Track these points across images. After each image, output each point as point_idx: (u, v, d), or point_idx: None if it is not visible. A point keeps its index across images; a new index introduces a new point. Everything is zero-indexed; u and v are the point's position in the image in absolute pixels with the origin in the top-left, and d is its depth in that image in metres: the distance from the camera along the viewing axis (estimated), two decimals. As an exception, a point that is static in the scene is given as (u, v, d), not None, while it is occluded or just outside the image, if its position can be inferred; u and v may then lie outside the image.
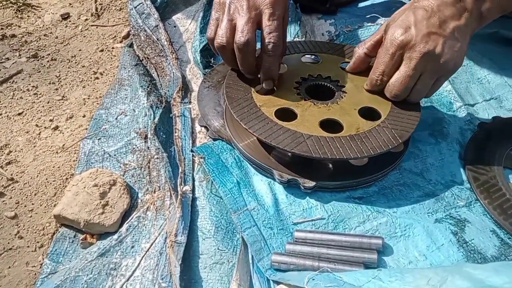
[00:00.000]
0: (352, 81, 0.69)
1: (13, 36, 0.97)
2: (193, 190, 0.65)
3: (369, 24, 0.90)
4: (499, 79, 0.81)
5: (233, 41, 0.62)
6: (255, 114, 0.63)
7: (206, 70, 0.83)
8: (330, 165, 0.65)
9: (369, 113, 0.65)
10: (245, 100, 0.65)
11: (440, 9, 0.60)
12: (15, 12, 1.03)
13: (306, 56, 0.75)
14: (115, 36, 0.98)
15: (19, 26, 1.00)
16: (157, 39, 0.89)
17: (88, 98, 0.84)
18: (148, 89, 0.80)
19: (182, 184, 0.64)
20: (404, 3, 0.94)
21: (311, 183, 0.61)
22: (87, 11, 1.04)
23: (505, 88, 0.80)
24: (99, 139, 0.73)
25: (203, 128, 0.75)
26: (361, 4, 0.99)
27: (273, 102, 0.65)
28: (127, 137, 0.73)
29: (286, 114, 0.64)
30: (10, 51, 0.93)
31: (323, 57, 0.75)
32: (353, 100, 0.66)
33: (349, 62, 0.71)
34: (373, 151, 0.59)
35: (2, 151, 0.74)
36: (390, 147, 0.59)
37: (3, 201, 0.67)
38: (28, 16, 1.03)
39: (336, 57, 0.75)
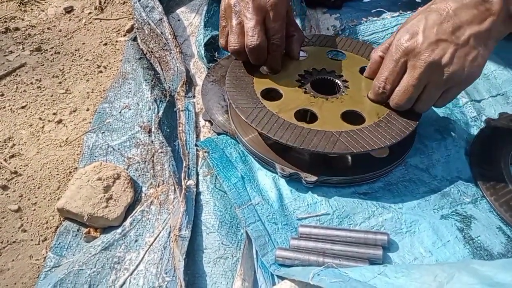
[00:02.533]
0: (347, 68, 0.69)
1: (17, 29, 0.96)
2: (197, 184, 0.65)
3: (375, 18, 0.89)
4: (506, 75, 0.80)
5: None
6: (277, 122, 0.60)
7: (210, 64, 0.82)
8: (337, 161, 0.64)
9: None
10: (259, 110, 0.63)
11: (456, 13, 0.55)
12: (19, 5, 1.02)
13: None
14: (118, 30, 0.97)
15: (23, 19, 0.99)
16: (161, 32, 0.88)
17: (92, 92, 0.83)
18: (152, 83, 0.79)
19: (186, 178, 0.64)
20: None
21: (313, 178, 0.61)
22: (90, 4, 1.04)
23: (512, 84, 0.79)
24: (103, 132, 0.73)
25: (207, 122, 0.74)
26: (367, -1, 0.98)
27: (286, 105, 0.63)
28: (131, 131, 0.73)
29: (301, 115, 0.64)
30: (14, 44, 0.93)
31: (307, 50, 0.74)
32: (358, 87, 0.66)
33: (334, 51, 0.73)
34: (402, 133, 0.59)
35: (6, 144, 0.74)
36: (414, 126, 0.60)
37: (7, 194, 0.67)
38: (31, 9, 1.02)
39: (319, 48, 0.74)
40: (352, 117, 0.62)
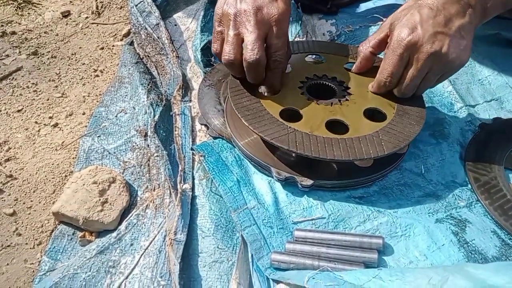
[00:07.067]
0: (333, 70, 0.71)
1: (13, 33, 0.97)
2: (192, 188, 0.65)
3: (370, 24, 0.90)
4: (500, 81, 0.81)
5: (241, 56, 0.61)
6: (318, 141, 0.60)
7: (207, 68, 0.83)
8: (332, 165, 0.64)
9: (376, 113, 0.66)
10: (294, 135, 0.60)
11: (445, 7, 0.60)
12: (16, 9, 1.03)
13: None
14: (115, 34, 0.97)
15: (20, 23, 1.00)
16: (158, 37, 0.89)
17: (88, 96, 0.84)
18: (149, 87, 0.80)
19: (182, 182, 0.64)
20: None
21: (309, 182, 0.61)
22: (87, 9, 1.04)
23: (506, 90, 0.80)
24: (98, 136, 0.73)
25: (203, 126, 0.74)
26: (362, 5, 0.99)
27: (313, 122, 0.62)
28: (126, 134, 0.73)
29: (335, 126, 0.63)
30: (10, 48, 0.93)
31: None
32: (355, 85, 0.68)
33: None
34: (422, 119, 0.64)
35: (1, 148, 0.74)
36: (424, 114, 0.64)
37: (2, 198, 0.67)
38: (28, 13, 1.03)
39: (297, 55, 0.73)
40: (372, 114, 0.65)
